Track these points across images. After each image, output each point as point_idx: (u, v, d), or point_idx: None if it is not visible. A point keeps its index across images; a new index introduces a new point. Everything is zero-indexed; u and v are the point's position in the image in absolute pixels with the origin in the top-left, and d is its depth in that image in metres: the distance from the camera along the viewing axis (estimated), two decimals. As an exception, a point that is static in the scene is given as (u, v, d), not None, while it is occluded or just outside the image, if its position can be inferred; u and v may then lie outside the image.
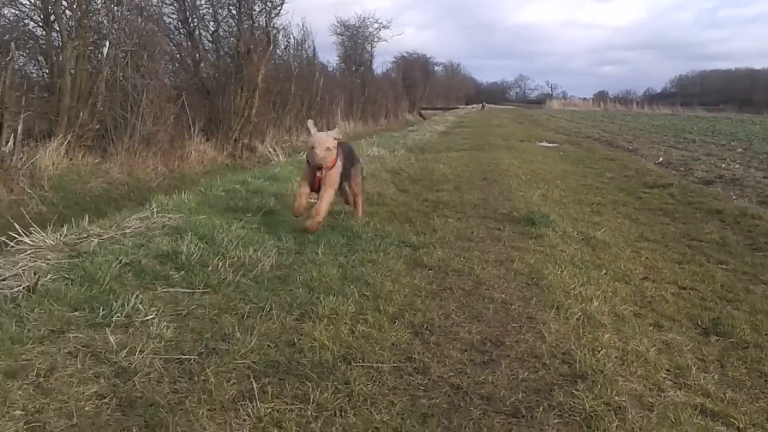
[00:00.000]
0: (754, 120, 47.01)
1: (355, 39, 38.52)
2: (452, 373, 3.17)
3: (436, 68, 70.28)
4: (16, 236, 4.92)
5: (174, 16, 17.13)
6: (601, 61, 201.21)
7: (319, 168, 5.79)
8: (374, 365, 3.20)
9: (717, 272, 5.48)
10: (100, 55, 12.19)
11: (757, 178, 11.56)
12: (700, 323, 4.19)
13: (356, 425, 2.65)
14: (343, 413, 2.74)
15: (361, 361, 3.24)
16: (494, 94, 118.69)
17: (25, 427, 2.52)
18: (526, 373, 3.21)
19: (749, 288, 5.08)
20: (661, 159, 15.26)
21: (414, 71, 54.19)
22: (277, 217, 6.66)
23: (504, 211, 7.71)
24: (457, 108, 69.54)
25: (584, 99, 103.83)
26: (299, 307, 3.99)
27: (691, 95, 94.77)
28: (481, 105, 77.47)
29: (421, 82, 55.48)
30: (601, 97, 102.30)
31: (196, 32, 17.76)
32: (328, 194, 6.03)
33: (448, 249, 5.70)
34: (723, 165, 13.95)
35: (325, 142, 5.82)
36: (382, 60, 61.47)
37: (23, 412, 2.61)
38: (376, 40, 39.14)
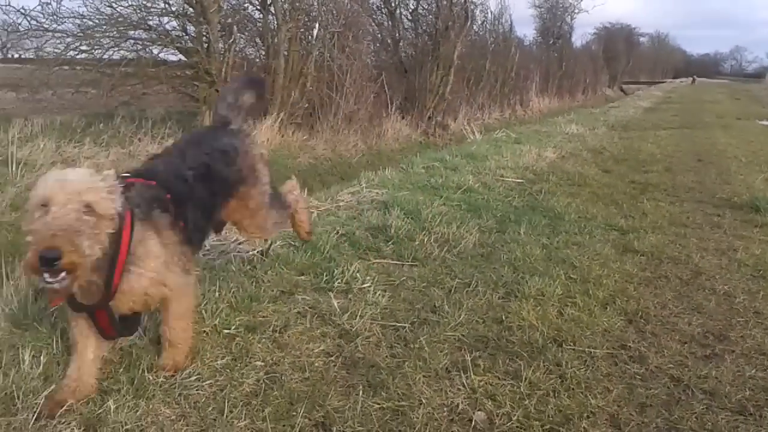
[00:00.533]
0: None
1: (554, 11, 37.09)
2: (671, 365, 3.03)
3: (641, 39, 65.64)
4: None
5: (376, -4, 17.70)
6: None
7: (51, 265, 2.10)
8: (586, 350, 3.16)
9: None
10: (310, 37, 13.06)
11: None
12: None
13: (570, 407, 2.64)
14: (556, 394, 2.75)
15: (572, 344, 3.21)
16: (706, 67, 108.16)
17: (265, 377, 2.84)
18: (753, 371, 2.98)
19: None
20: None
21: (616, 43, 51.12)
22: (475, 195, 6.74)
23: (723, 195, 7.11)
24: (663, 82, 64.46)
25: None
26: (504, 285, 4.03)
27: None
28: (691, 79, 71.05)
29: (623, 55, 52.21)
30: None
31: (397, 11, 18.23)
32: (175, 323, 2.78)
33: (661, 234, 5.39)
34: None
35: (77, 193, 2.22)
36: (582, 32, 58.50)
37: (263, 363, 2.94)
38: (576, 11, 37.36)
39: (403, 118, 16.61)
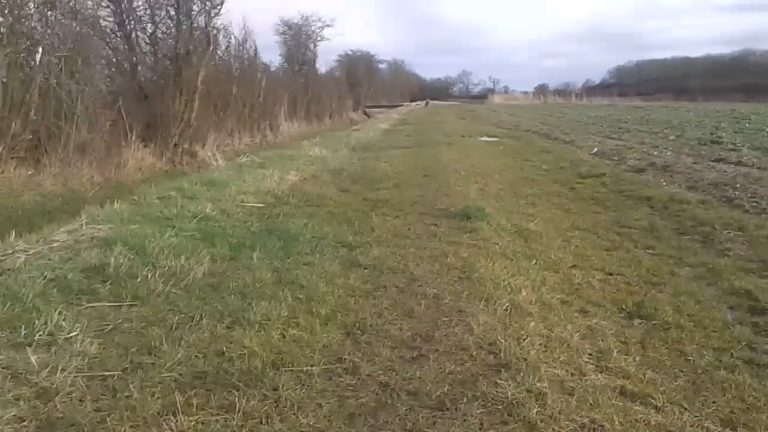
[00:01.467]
0: (688, 108, 48.67)
1: (298, 38, 38.27)
2: (381, 372, 3.21)
3: (381, 66, 70.60)
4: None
5: (110, 19, 16.62)
6: (542, 54, 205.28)
7: None
8: (304, 369, 3.21)
9: (644, 257, 5.69)
10: (33, 62, 11.78)
11: (687, 164, 12.01)
12: (624, 307, 4.35)
13: (282, 431, 2.65)
14: (269, 420, 2.73)
15: (290, 365, 3.24)
16: (438, 90, 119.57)
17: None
18: (453, 366, 3.27)
19: (674, 271, 5.29)
20: (595, 149, 15.68)
21: (358, 69, 54.26)
22: (212, 223, 6.58)
23: (442, 206, 7.81)
24: (401, 105, 69.88)
25: (525, 92, 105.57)
26: (231, 314, 3.96)
27: (629, 85, 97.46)
28: (425, 102, 78.15)
29: (365, 80, 55.57)
30: (541, 90, 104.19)
31: (133, 35, 17.28)
32: None
33: (385, 247, 5.75)
34: (655, 153, 14.43)
35: None
36: (325, 59, 61.04)
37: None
38: (319, 39, 38.98)
39: (145, 146, 15.70)
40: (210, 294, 4.42)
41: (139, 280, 4.57)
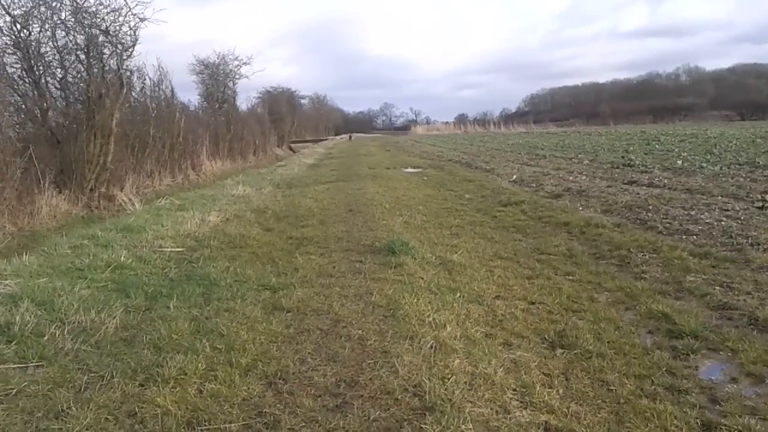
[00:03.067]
0: (600, 132, 51.05)
1: (216, 77, 37.78)
2: (303, 424, 3.10)
3: (303, 101, 70.57)
4: None
5: (18, 65, 15.99)
6: (460, 85, 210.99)
7: None
8: (222, 426, 3.06)
9: (564, 284, 5.81)
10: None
11: (601, 188, 12.48)
12: (546, 337, 4.40)
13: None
14: (183, 485, 2.57)
15: (207, 423, 3.09)
16: (362, 123, 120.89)
17: None
18: (377, 412, 3.19)
19: (593, 297, 5.42)
20: (514, 177, 16.12)
21: (280, 105, 53.96)
22: (127, 272, 6.30)
23: (367, 242, 7.77)
24: (326, 139, 70.14)
25: (446, 123, 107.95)
26: (144, 370, 3.76)
27: (543, 112, 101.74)
28: (348, 136, 78.77)
29: (288, 116, 55.32)
30: (461, 120, 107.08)
31: (43, 80, 16.66)
32: None
33: (309, 288, 5.64)
34: (570, 178, 14.96)
35: None
36: (246, 96, 60.56)
37: None
38: (237, 77, 38.59)
39: (60, 192, 15.04)
40: (122, 349, 4.20)
41: (46, 338, 4.31)
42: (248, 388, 3.49)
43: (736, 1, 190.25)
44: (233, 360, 3.88)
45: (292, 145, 53.41)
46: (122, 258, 6.82)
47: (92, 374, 3.75)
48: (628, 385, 3.56)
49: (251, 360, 3.91)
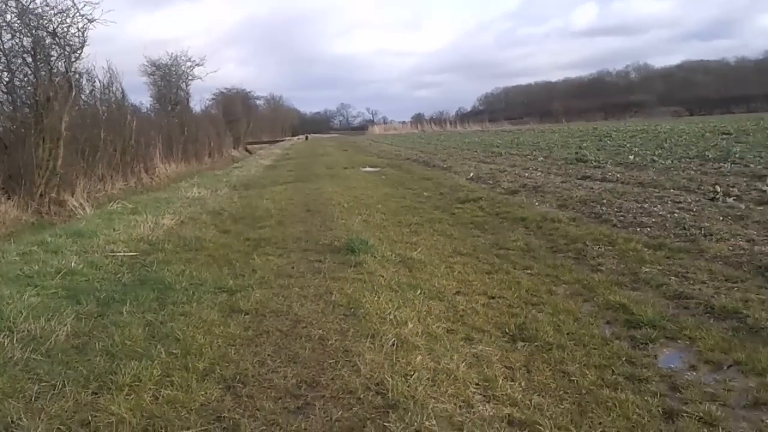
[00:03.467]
0: (553, 129, 52.00)
1: (168, 78, 37.06)
2: (264, 427, 3.02)
3: (258, 102, 69.78)
4: None
5: (-37, 70, 15.42)
6: (416, 85, 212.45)
7: None
8: (179, 433, 2.96)
9: (523, 278, 5.83)
10: None
11: (556, 184, 12.64)
12: (507, 331, 4.40)
13: (154, 507, 2.40)
14: (138, 496, 2.47)
15: (163, 431, 2.98)
16: (319, 124, 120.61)
17: None
18: (340, 412, 3.13)
19: (552, 290, 5.45)
20: (471, 174, 16.21)
21: (235, 106, 53.26)
22: (78, 278, 6.10)
23: (326, 241, 7.70)
24: (283, 140, 69.64)
25: (403, 122, 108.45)
26: (97, 378, 3.62)
27: (498, 111, 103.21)
28: (305, 136, 78.45)
29: (244, 117, 54.65)
30: (418, 119, 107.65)
31: (-11, 84, 16.08)
32: None
33: (267, 289, 5.55)
34: (526, 174, 15.13)
35: None
36: (200, 97, 59.61)
37: None
38: (190, 78, 37.93)
39: (9, 198, 14.54)
40: (74, 357, 4.05)
41: (-8, 348, 4.11)
42: (206, 393, 3.39)
43: (683, 1, 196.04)
44: (190, 365, 3.77)
45: (249, 146, 52.83)
46: (73, 264, 6.61)
47: (43, 383, 3.60)
48: (589, 376, 3.57)
49: (208, 364, 3.80)
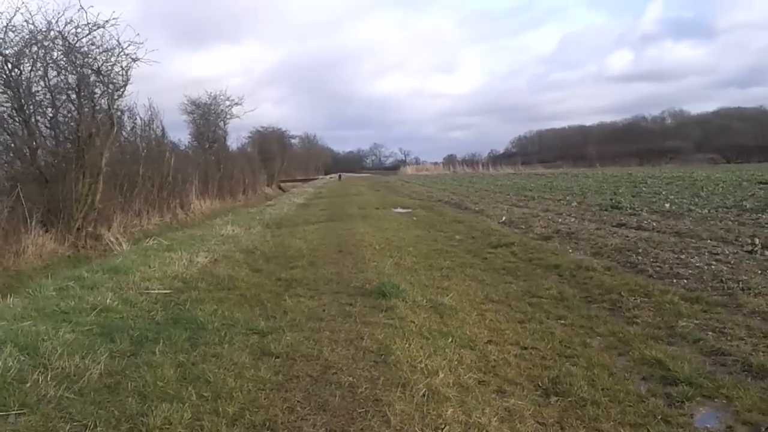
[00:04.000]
0: (587, 174, 51.59)
1: (207, 116, 38.00)
2: (291, 480, 2.99)
3: (293, 141, 71.00)
4: None
5: (8, 104, 16.01)
6: (449, 126, 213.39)
7: None
8: (207, 479, 2.95)
9: (556, 328, 5.75)
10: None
11: (590, 230, 12.50)
12: (540, 384, 4.32)
13: None
14: None
15: (193, 476, 2.97)
16: (352, 163, 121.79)
17: None
18: (369, 466, 3.09)
19: (586, 342, 5.35)
20: (504, 218, 16.15)
21: (271, 145, 54.24)
22: (113, 315, 6.20)
23: (357, 284, 7.71)
24: (316, 179, 70.47)
25: (435, 163, 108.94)
26: (128, 420, 3.65)
27: (531, 153, 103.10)
28: (338, 175, 79.25)
29: (278, 155, 55.58)
30: (450, 160, 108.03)
31: (33, 119, 16.67)
32: None
33: (298, 332, 5.55)
34: (560, 220, 15.01)
35: None
36: (237, 135, 60.73)
37: None
38: (228, 117, 38.84)
39: (47, 231, 14.91)
40: (106, 397, 4.08)
41: (29, 384, 4.19)
42: (235, 440, 3.38)
43: (720, 48, 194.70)
44: (220, 409, 3.77)
45: (282, 184, 53.57)
46: (108, 300, 6.72)
47: (75, 423, 3.64)
48: (624, 436, 3.48)
49: (238, 409, 3.80)
